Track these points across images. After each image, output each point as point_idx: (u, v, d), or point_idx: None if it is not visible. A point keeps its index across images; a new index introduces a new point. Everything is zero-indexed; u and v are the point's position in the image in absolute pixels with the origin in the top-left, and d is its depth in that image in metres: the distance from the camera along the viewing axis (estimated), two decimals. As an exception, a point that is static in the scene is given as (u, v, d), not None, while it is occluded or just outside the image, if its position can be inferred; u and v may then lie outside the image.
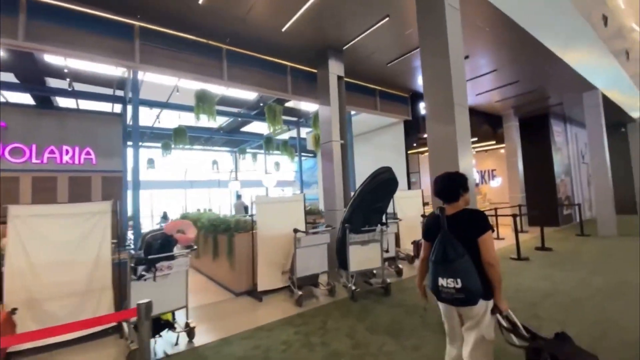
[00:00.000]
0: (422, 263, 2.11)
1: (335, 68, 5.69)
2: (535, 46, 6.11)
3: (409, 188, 8.21)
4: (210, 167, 14.85)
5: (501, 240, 8.81)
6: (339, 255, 4.74)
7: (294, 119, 10.29)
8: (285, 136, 12.08)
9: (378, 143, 9.42)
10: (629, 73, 11.44)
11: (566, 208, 11.15)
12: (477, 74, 7.28)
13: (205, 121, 6.14)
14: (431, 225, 2.00)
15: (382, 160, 9.23)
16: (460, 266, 1.75)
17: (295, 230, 4.38)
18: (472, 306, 1.79)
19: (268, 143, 10.11)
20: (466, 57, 6.31)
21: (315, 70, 5.99)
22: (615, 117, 12.85)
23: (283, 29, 4.87)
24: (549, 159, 11.13)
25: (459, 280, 1.73)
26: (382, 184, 4.03)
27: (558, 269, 5.39)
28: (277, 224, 4.81)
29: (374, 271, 5.17)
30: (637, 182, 14.02)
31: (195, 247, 3.43)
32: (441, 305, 1.98)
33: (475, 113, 10.29)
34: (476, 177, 13.23)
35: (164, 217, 10.49)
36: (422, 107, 8.35)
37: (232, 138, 11.88)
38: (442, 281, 1.79)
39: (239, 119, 10.27)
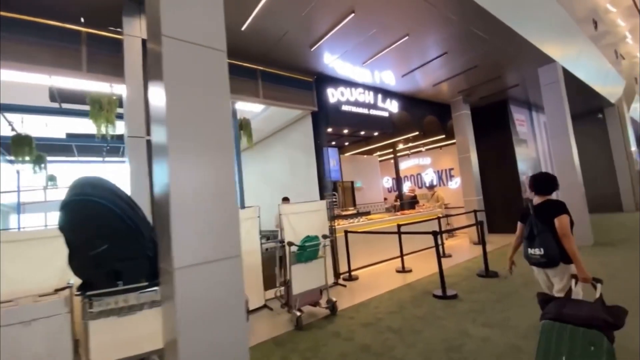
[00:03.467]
0: (516, 240, 2.81)
1: (137, 28, 3.77)
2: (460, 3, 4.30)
3: (322, 198, 6.30)
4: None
5: (448, 259, 6.89)
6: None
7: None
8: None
9: (290, 142, 7.52)
10: (603, 52, 9.80)
11: (535, 211, 9.29)
12: (385, 43, 5.42)
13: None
14: (523, 212, 2.73)
15: (295, 162, 7.32)
16: (542, 239, 2.43)
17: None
18: (553, 267, 2.48)
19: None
20: (352, 13, 4.45)
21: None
22: (590, 102, 11.17)
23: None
24: (511, 153, 9.32)
25: (542, 249, 2.43)
26: (73, 213, 2.07)
27: (480, 322, 3.45)
28: None
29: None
30: (620, 174, 12.29)
31: None
32: (534, 268, 2.69)
33: (416, 102, 8.48)
34: (433, 177, 11.37)
35: None
36: (330, 94, 6.48)
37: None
38: (530, 251, 2.53)
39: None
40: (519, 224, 2.78)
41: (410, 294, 4.68)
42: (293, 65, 5.92)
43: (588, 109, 12.04)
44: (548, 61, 6.99)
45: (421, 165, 11.76)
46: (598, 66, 9.26)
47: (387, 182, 12.97)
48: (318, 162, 6.49)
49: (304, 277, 4.00)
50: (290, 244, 3.89)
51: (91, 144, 9.78)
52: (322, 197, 6.33)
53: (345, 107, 6.66)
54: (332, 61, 5.88)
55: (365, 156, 11.20)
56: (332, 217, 6.71)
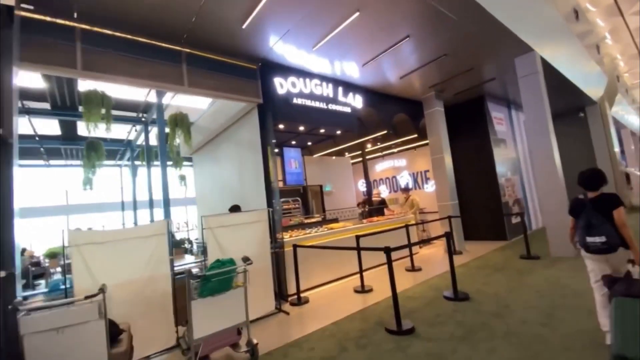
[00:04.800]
0: (572, 230, 3.07)
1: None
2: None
3: (269, 205, 5.34)
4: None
5: (417, 273, 6.05)
6: None
7: (133, 114, 7.31)
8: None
9: (238, 140, 6.55)
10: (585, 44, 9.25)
11: (514, 216, 8.59)
12: (332, 22, 4.54)
13: None
14: (575, 206, 2.97)
15: (244, 165, 6.37)
16: (603, 229, 2.65)
17: None
18: (613, 253, 2.65)
19: (93, 150, 7.04)
20: (280, -25, 3.56)
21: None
22: (571, 99, 10.60)
23: None
24: (488, 153, 8.59)
25: (603, 237, 2.64)
26: None
27: (441, 375, 2.58)
28: None
29: None
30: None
31: None
32: (589, 256, 2.82)
33: (384, 97, 7.66)
34: (409, 180, 10.58)
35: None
36: (279, 84, 5.57)
37: (69, 146, 8.77)
38: (590, 239, 2.72)
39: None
40: (572, 217, 3.04)
41: (360, 326, 3.78)
42: (229, 49, 4.98)
43: (569, 107, 11.51)
44: (525, 50, 6.27)
45: (396, 167, 10.96)
46: (579, 60, 8.65)
47: (363, 185, 12.13)
48: (265, 164, 5.56)
49: (211, 316, 3.05)
50: (189, 274, 2.93)
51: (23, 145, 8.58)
52: (269, 204, 5.40)
53: (298, 100, 5.76)
54: (277, 44, 4.97)
55: (334, 157, 10.31)
56: (282, 229, 5.81)
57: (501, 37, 5.61)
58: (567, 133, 11.78)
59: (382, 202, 8.73)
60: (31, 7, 3.54)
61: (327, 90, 6.27)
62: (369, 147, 9.62)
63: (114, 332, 2.90)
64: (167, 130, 6.56)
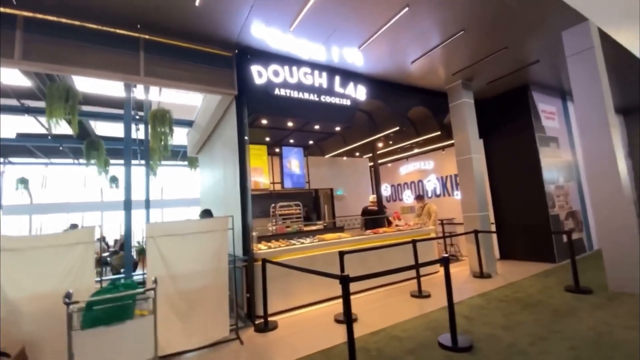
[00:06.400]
0: None
1: None
2: None
3: (243, 210, 4.66)
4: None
5: (422, 302, 4.95)
6: None
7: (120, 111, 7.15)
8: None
9: (224, 137, 5.97)
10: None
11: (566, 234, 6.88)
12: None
13: None
14: None
15: (228, 162, 5.80)
16: None
17: None
18: None
19: (93, 149, 7.01)
20: None
21: None
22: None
23: None
24: (532, 154, 7.03)
25: None
26: None
27: None
28: None
29: None
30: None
31: None
32: None
33: (396, 87, 6.59)
34: (437, 185, 9.25)
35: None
36: (256, 73, 4.87)
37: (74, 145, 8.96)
38: None
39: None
40: None
41: (310, 376, 2.91)
42: (195, 34, 4.41)
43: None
44: (576, 20, 4.83)
45: (423, 170, 9.67)
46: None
47: (386, 189, 10.97)
48: (242, 163, 4.89)
49: (101, 351, 2.43)
50: (69, 299, 2.34)
51: (45, 144, 9.03)
52: (243, 210, 4.73)
53: (281, 91, 5.02)
54: (252, 27, 4.31)
55: (345, 158, 9.35)
56: (261, 239, 5.12)
57: (540, 1, 4.31)
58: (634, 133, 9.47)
59: (378, 212, 7.58)
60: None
61: (320, 79, 5.44)
62: (381, 146, 8.51)
63: (-15, 362, 2.43)
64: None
